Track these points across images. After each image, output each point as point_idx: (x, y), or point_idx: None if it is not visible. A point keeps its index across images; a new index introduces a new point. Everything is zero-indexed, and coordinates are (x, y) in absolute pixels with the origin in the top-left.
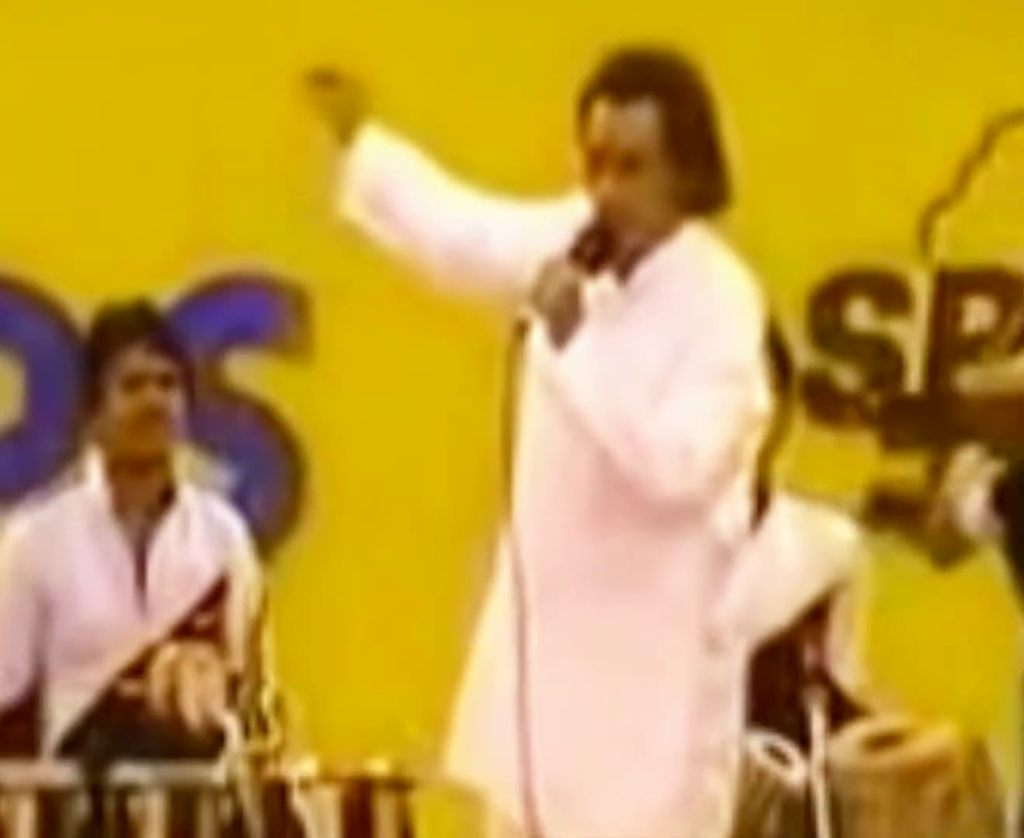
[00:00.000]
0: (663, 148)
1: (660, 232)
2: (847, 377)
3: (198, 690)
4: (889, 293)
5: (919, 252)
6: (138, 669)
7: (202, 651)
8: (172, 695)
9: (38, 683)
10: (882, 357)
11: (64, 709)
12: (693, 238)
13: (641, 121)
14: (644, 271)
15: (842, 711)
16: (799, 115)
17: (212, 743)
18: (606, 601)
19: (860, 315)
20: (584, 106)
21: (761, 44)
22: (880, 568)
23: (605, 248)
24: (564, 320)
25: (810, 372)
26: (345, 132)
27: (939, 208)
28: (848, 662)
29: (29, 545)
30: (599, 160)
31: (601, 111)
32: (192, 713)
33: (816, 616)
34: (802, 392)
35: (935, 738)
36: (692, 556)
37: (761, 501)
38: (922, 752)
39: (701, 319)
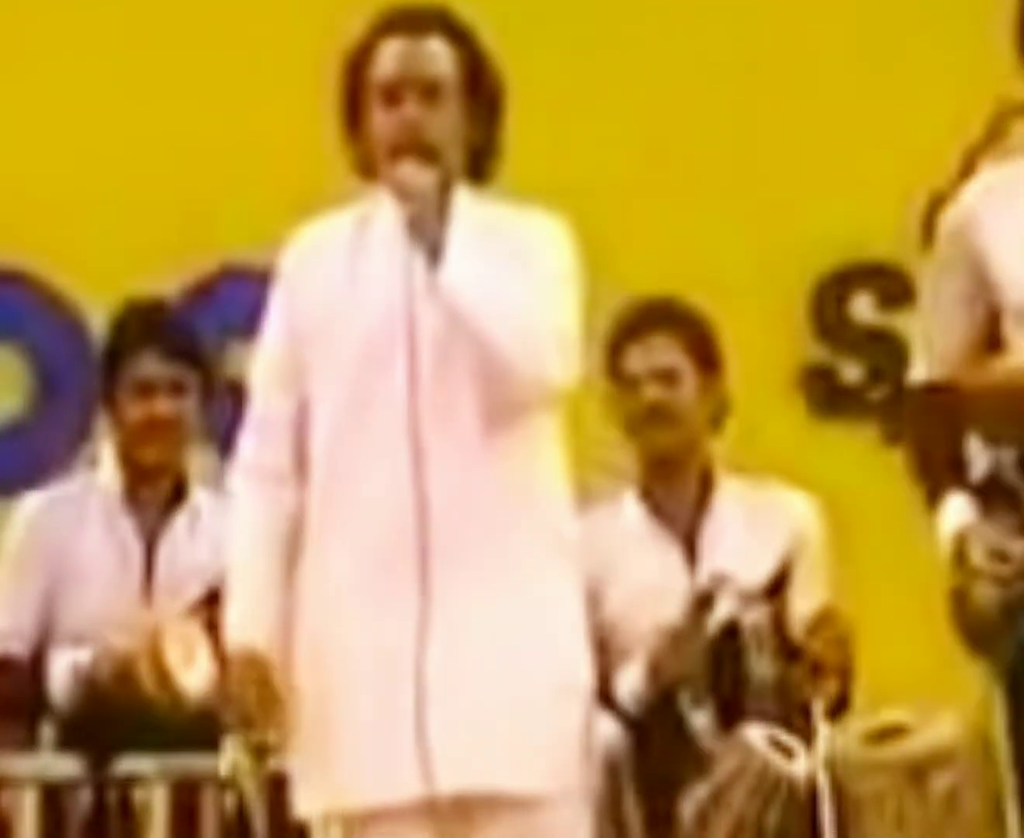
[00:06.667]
0: (457, 85)
1: (451, 174)
2: (850, 370)
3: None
4: (892, 286)
5: (923, 245)
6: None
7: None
8: (158, 658)
9: (44, 648)
10: (885, 350)
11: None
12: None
13: (440, 52)
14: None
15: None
16: (801, 108)
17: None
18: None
19: (863, 308)
20: (368, 50)
21: (762, 39)
22: (881, 559)
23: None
24: (434, 233)
25: (813, 365)
26: None
27: (943, 201)
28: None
29: (44, 517)
30: (394, 93)
31: (394, 45)
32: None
33: (775, 592)
34: (805, 385)
35: (938, 731)
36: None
37: (705, 483)
38: (926, 745)
39: (533, 237)
